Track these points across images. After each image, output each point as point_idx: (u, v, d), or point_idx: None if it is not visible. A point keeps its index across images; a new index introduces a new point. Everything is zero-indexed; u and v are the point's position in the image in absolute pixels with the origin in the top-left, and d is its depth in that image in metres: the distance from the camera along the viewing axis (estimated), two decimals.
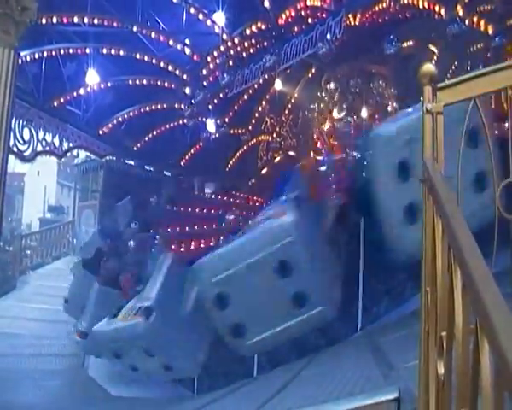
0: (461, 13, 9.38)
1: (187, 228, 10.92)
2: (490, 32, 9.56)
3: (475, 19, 9.54)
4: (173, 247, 9.37)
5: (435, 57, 10.99)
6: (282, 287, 6.58)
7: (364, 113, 12.83)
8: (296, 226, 6.69)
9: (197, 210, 12.22)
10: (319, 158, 11.54)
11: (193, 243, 9.62)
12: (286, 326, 6.71)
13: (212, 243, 9.06)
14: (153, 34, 12.66)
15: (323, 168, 9.57)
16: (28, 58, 11.83)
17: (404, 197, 6.21)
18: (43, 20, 11.00)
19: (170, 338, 8.11)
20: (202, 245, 9.31)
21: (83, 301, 10.62)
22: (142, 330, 7.99)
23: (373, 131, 7.15)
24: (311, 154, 14.11)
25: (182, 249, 9.42)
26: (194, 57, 13.06)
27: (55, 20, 11.26)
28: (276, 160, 16.10)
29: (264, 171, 16.43)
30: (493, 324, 1.13)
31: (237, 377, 7.87)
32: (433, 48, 11.15)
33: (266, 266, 6.56)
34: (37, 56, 12.11)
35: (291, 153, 15.45)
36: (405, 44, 10.26)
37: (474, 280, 1.31)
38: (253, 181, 16.02)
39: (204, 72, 12.97)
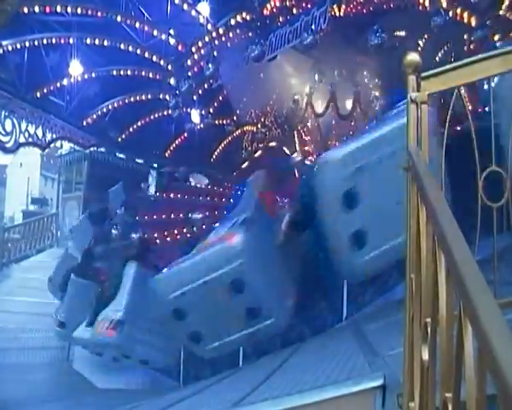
0: (444, 4, 9.43)
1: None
2: (473, 23, 9.63)
3: (459, 10, 9.61)
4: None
5: (420, 48, 11.04)
6: (235, 303, 6.87)
7: (349, 104, 12.86)
8: (245, 248, 6.85)
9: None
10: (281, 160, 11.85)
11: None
12: (240, 335, 7.11)
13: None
14: (137, 24, 12.56)
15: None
16: (10, 48, 11.69)
17: (350, 225, 6.29)
18: (25, 9, 10.87)
19: (142, 341, 8.88)
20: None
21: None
22: (115, 341, 8.80)
23: (320, 158, 7.14)
24: (297, 145, 14.16)
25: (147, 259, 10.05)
26: (179, 48, 12.98)
27: (37, 9, 11.11)
28: (258, 153, 16.12)
29: (246, 163, 16.45)
30: (476, 307, 1.15)
31: (223, 367, 7.89)
32: (417, 39, 11.20)
33: (220, 284, 6.83)
34: (19, 46, 11.94)
35: (273, 143, 15.47)
36: (390, 35, 10.29)
37: (458, 265, 1.33)
38: (238, 171, 16.05)
39: (189, 62, 12.90)
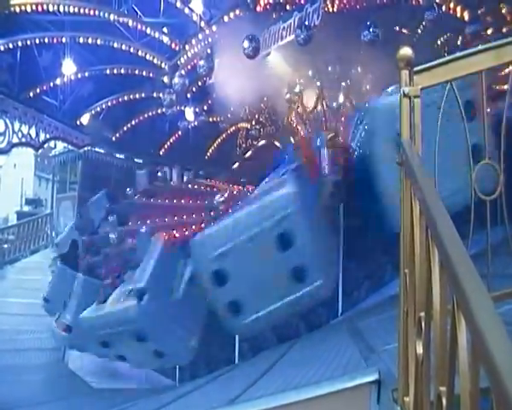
0: None
1: (171, 218, 10.95)
2: (466, 18, 9.65)
3: (452, 5, 9.63)
4: (164, 234, 9.17)
5: (412, 43, 11.04)
6: (281, 261, 6.38)
7: (341, 99, 12.84)
8: (296, 198, 6.45)
9: (175, 201, 12.19)
10: (311, 136, 11.47)
11: (183, 229, 9.54)
12: (285, 302, 6.51)
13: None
14: (130, 23, 12.52)
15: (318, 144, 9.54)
16: (2, 48, 11.65)
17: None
18: (17, 9, 10.82)
19: (162, 322, 7.89)
20: (194, 230, 9.16)
21: (64, 297, 10.16)
22: (134, 312, 7.72)
23: (372, 103, 6.90)
24: (291, 140, 14.12)
25: (172, 235, 9.27)
26: (173, 45, 12.96)
27: (29, 8, 11.07)
28: (252, 149, 16.10)
29: (244, 157, 16.45)
30: (469, 301, 1.14)
31: (219, 364, 7.89)
32: (410, 33, 11.20)
33: (265, 239, 6.35)
34: (11, 46, 11.91)
35: (269, 140, 15.45)
36: (383, 30, 10.28)
37: (451, 259, 1.33)
38: (233, 168, 16.03)
39: (182, 60, 12.88)
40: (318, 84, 12.35)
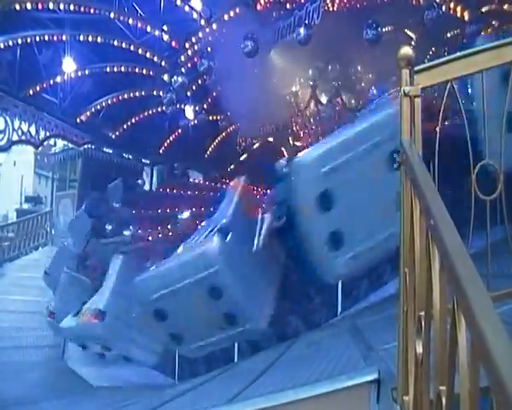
0: None
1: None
2: (466, 18, 9.64)
3: (452, 5, 9.62)
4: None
5: (413, 42, 11.04)
6: (213, 307, 7.03)
7: (343, 98, 12.87)
8: (222, 257, 6.95)
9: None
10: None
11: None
12: (220, 337, 7.33)
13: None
14: (130, 21, 12.49)
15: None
16: (2, 45, 11.62)
17: (326, 226, 6.30)
18: (17, 6, 10.80)
19: (124, 336, 8.94)
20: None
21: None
22: (97, 330, 8.89)
23: (296, 158, 7.05)
24: (291, 140, 14.14)
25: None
26: (173, 44, 12.94)
27: (29, 6, 11.03)
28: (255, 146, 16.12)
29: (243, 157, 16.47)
30: (469, 301, 1.14)
31: (218, 363, 7.90)
32: (410, 33, 11.20)
33: (198, 289, 6.95)
34: (11, 43, 11.88)
35: (270, 139, 15.45)
36: (383, 30, 10.28)
37: (451, 259, 1.33)
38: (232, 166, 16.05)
39: (182, 58, 12.86)
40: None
